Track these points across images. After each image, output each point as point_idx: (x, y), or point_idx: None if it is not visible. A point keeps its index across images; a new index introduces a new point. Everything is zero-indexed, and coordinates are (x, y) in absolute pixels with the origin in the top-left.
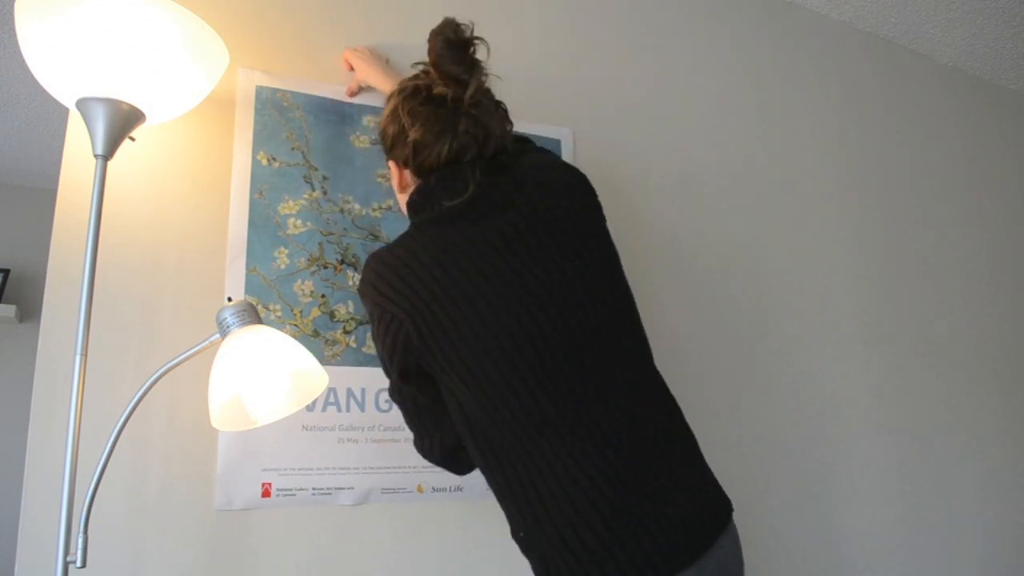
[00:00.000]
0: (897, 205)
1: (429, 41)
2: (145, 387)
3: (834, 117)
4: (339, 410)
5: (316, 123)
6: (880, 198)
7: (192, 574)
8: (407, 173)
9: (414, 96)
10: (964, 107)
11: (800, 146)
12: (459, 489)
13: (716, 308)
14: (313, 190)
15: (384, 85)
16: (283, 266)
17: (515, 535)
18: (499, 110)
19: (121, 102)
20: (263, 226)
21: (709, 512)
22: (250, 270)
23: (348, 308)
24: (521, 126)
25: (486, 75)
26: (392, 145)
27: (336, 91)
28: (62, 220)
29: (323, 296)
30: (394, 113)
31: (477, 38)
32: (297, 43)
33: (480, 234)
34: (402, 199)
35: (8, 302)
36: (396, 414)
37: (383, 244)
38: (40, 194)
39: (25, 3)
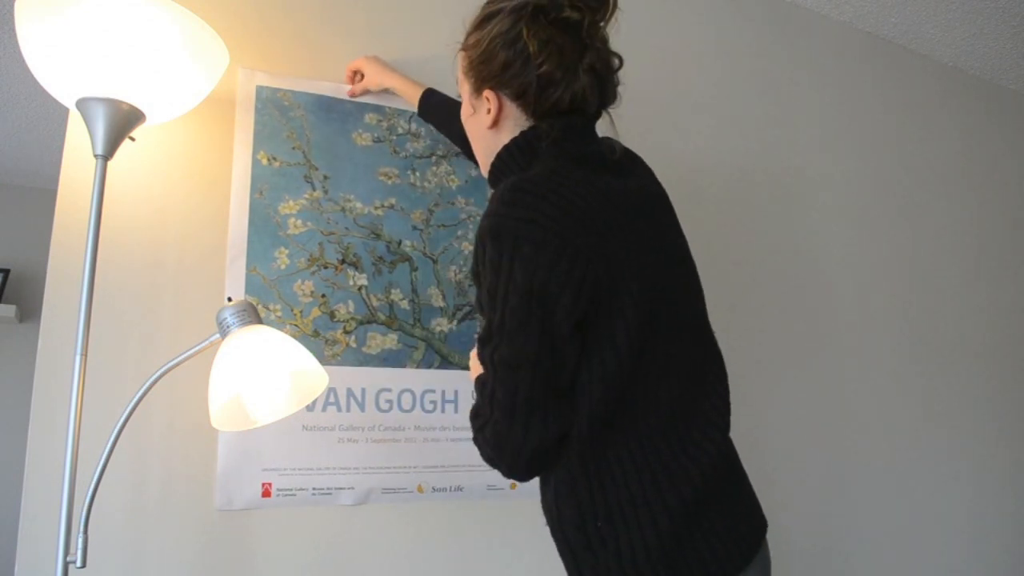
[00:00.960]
0: (897, 205)
1: None
2: (145, 387)
3: (834, 117)
4: (339, 410)
5: (316, 122)
6: (880, 198)
7: (192, 574)
8: (512, 107)
9: (539, 16)
10: (964, 107)
11: (800, 146)
12: (459, 489)
13: (714, 309)
14: (314, 189)
15: (405, 87)
16: (283, 266)
17: (582, 528)
18: (616, 58)
19: (121, 102)
20: (263, 226)
21: (758, 513)
22: (250, 270)
23: (348, 308)
24: None
25: (618, 10)
26: (501, 70)
27: (336, 90)
28: (62, 220)
29: (323, 296)
30: (512, 34)
31: None
32: (297, 43)
33: (628, 190)
34: (490, 135)
35: (8, 302)
36: (396, 414)
37: (384, 243)
38: (40, 194)
39: (25, 3)
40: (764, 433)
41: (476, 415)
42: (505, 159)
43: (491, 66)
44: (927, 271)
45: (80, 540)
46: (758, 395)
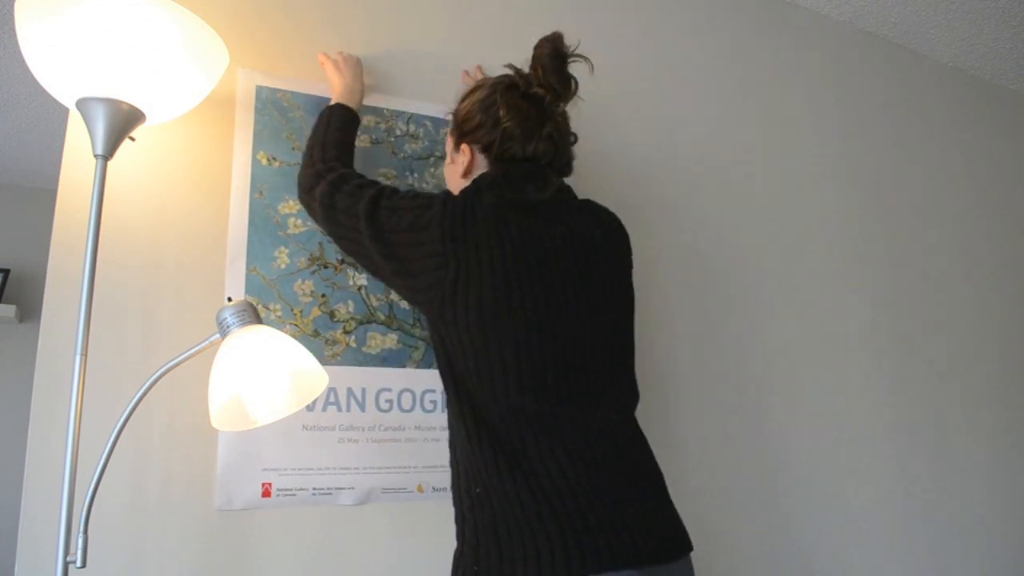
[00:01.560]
0: (897, 205)
1: (536, 48)
2: (145, 387)
3: (834, 117)
4: (339, 410)
5: None
6: (880, 198)
7: (192, 574)
8: (480, 158)
9: (511, 90)
10: (964, 107)
11: (799, 146)
12: None
13: (714, 310)
14: None
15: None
16: (283, 266)
17: (468, 490)
18: (572, 135)
19: (121, 102)
20: (263, 226)
21: (667, 535)
22: (250, 270)
23: (348, 308)
24: None
25: (577, 95)
26: (475, 128)
27: None
28: (62, 220)
29: (323, 296)
30: (488, 101)
31: (580, 56)
32: (297, 43)
33: (547, 232)
34: (461, 182)
35: (8, 302)
36: (396, 414)
37: None
38: (40, 194)
39: (25, 3)
40: (763, 433)
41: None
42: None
43: (469, 124)
44: (926, 271)
45: (80, 540)
46: (756, 395)
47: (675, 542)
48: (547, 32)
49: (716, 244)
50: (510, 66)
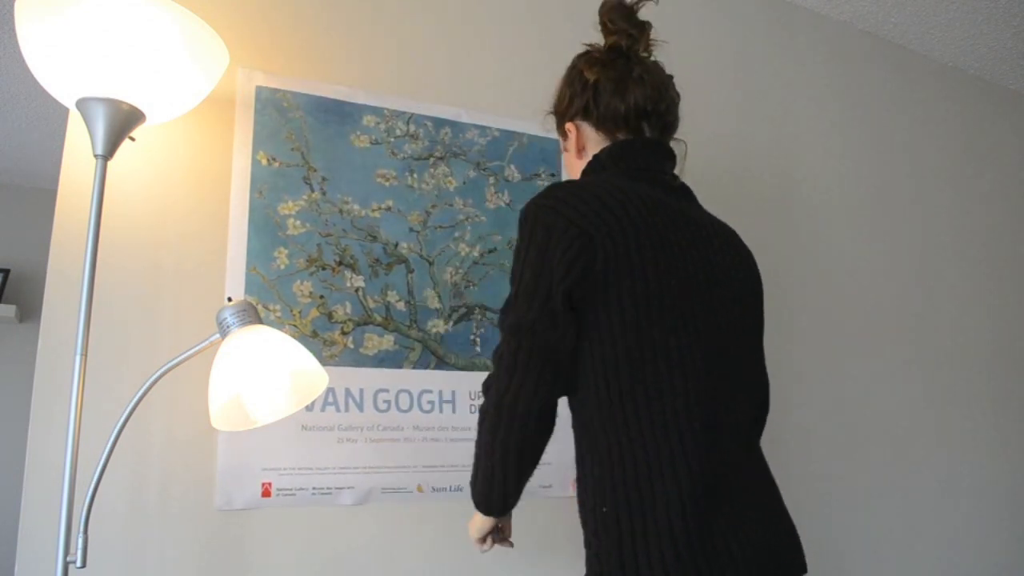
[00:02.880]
0: (897, 204)
1: (600, 11)
2: (145, 387)
3: (834, 117)
4: (338, 410)
5: (315, 124)
6: (880, 197)
7: (192, 574)
8: (587, 127)
9: (588, 54)
10: (964, 107)
11: (799, 145)
12: (459, 489)
13: None
14: (312, 191)
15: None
16: (283, 266)
17: (592, 508)
18: (668, 75)
19: (121, 102)
20: (263, 226)
21: (788, 556)
22: (250, 270)
23: (346, 309)
24: (520, 125)
25: (653, 37)
26: (570, 101)
27: (336, 91)
28: (62, 220)
29: (321, 297)
30: (571, 72)
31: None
32: (297, 43)
33: (689, 215)
34: (578, 164)
35: (8, 302)
36: (394, 414)
37: (381, 245)
38: (40, 194)
39: (25, 3)
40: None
41: (486, 385)
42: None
43: (563, 103)
44: (927, 270)
45: (80, 540)
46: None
47: (794, 564)
48: (547, 33)
49: None
50: (587, 44)
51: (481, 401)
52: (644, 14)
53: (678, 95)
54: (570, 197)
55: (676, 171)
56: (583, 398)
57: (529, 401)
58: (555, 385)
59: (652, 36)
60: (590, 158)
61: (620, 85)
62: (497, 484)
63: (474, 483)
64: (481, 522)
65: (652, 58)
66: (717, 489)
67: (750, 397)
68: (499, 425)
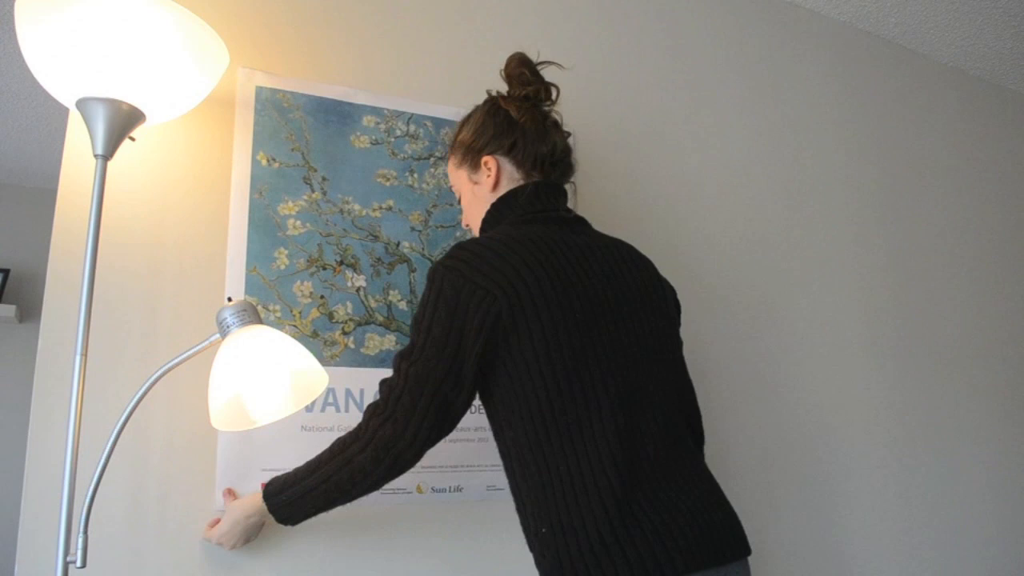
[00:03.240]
0: (897, 205)
1: (505, 67)
2: (145, 387)
3: (834, 117)
4: (338, 411)
5: (315, 124)
6: (880, 198)
7: (192, 574)
8: (508, 164)
9: (505, 96)
10: (964, 107)
11: (799, 146)
12: (459, 489)
13: (715, 311)
14: (312, 191)
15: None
16: (283, 266)
17: (535, 532)
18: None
19: (121, 102)
20: (263, 226)
21: (725, 535)
22: (250, 270)
23: (347, 309)
24: None
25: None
26: (491, 138)
27: (336, 91)
28: (62, 220)
29: (322, 297)
30: (492, 107)
31: (547, 61)
32: (297, 43)
33: (584, 244)
34: (492, 196)
35: (8, 302)
36: None
37: (383, 245)
38: (40, 194)
39: (25, 3)
40: (757, 436)
41: (374, 411)
42: (486, 218)
43: (484, 137)
44: (927, 271)
45: (80, 540)
46: (755, 397)
47: (734, 544)
48: (547, 33)
49: (713, 243)
50: (488, 92)
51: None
52: (641, 7)
53: (570, 142)
54: (474, 260)
55: (570, 205)
56: (511, 437)
57: (417, 453)
58: (442, 433)
59: (557, 93)
60: (500, 195)
61: (540, 129)
62: (326, 508)
63: (298, 496)
64: (251, 529)
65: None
66: (640, 491)
67: (674, 402)
68: (378, 467)
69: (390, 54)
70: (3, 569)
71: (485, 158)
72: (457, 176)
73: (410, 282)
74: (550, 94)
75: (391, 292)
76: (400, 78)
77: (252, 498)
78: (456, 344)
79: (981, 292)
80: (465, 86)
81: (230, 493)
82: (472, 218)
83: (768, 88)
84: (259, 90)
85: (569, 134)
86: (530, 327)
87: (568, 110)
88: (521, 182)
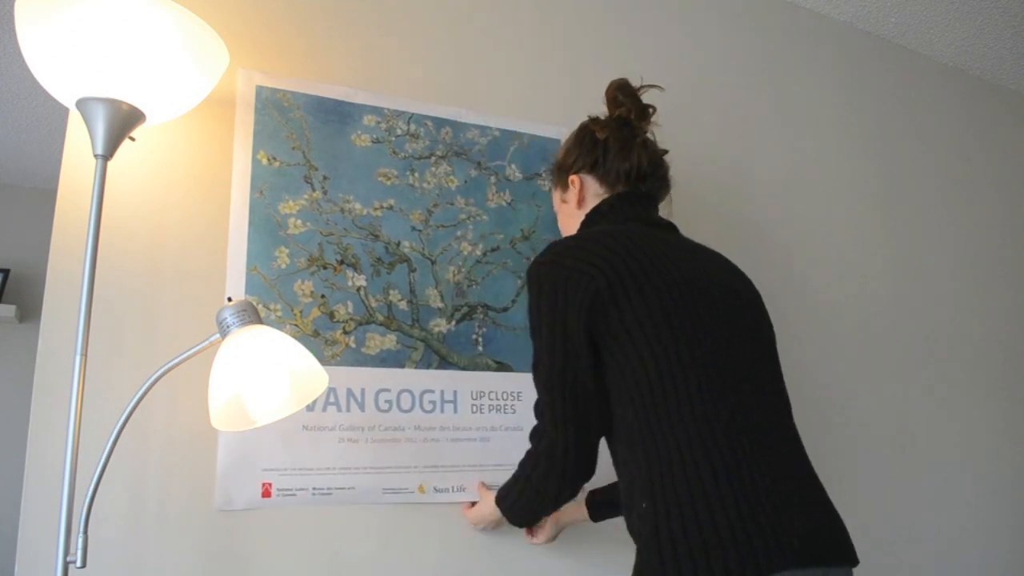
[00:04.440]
0: (896, 204)
1: (607, 89)
2: (145, 387)
3: (833, 117)
4: (339, 410)
5: (316, 123)
6: (879, 197)
7: (192, 574)
8: (591, 180)
9: (597, 119)
10: (964, 107)
11: (799, 146)
12: (460, 489)
13: None
14: (313, 190)
15: (575, 510)
16: (284, 265)
17: (636, 507)
18: (664, 150)
19: (121, 102)
20: (264, 225)
21: (833, 537)
22: (251, 269)
23: (347, 309)
24: (521, 125)
25: (655, 121)
26: (576, 158)
27: (336, 91)
28: (62, 220)
29: (323, 296)
30: (581, 131)
31: (650, 85)
32: (297, 43)
33: (677, 241)
34: (577, 215)
35: (8, 302)
36: (396, 414)
37: (383, 244)
38: (40, 194)
39: (25, 3)
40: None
41: (534, 433)
42: (580, 229)
43: (570, 158)
44: (926, 271)
45: (80, 540)
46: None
47: (841, 549)
48: (548, 33)
49: (713, 243)
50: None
51: (529, 441)
52: (642, 7)
53: (669, 167)
54: (566, 250)
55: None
56: (619, 416)
57: (578, 453)
58: (591, 428)
59: (653, 119)
60: (589, 209)
61: (625, 147)
62: (541, 516)
63: (515, 504)
64: (499, 521)
65: (652, 137)
66: (749, 479)
67: (772, 396)
68: (551, 477)
69: (390, 54)
70: (3, 569)
71: (572, 177)
72: (554, 197)
73: (410, 282)
74: (644, 114)
75: (391, 292)
76: (400, 78)
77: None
78: (563, 328)
79: (981, 292)
80: (466, 86)
81: (483, 485)
82: (568, 229)
83: (767, 88)
84: (259, 89)
85: (665, 151)
86: (631, 301)
87: (565, 106)
88: (606, 196)
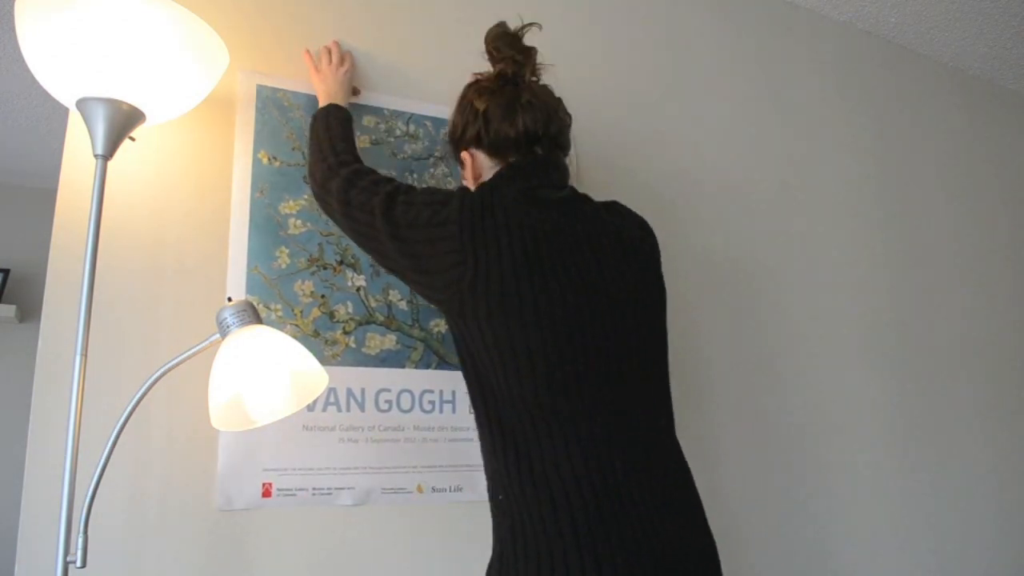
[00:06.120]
0: (895, 205)
1: (485, 40)
2: (145, 387)
3: (833, 117)
4: (339, 410)
5: None
6: (878, 197)
7: (192, 574)
8: (480, 155)
9: (478, 82)
10: (964, 107)
11: (799, 146)
12: (459, 489)
13: (712, 311)
14: None
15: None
16: (284, 265)
17: (493, 497)
18: (557, 97)
19: (121, 102)
20: (264, 225)
21: (692, 556)
22: (252, 269)
23: (347, 309)
24: None
25: (540, 61)
26: (464, 131)
27: None
28: (62, 220)
29: (323, 296)
30: (462, 101)
31: (528, 24)
32: (297, 43)
33: (569, 227)
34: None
35: (8, 302)
36: (395, 414)
37: None
38: (40, 194)
39: (25, 3)
40: (753, 434)
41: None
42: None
43: (457, 132)
44: (926, 270)
45: (80, 540)
46: (751, 396)
47: (699, 564)
48: (548, 33)
49: (714, 244)
50: (476, 72)
51: None
52: (642, 7)
53: (569, 117)
54: (484, 211)
55: (571, 182)
56: (479, 388)
57: (343, 199)
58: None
59: (539, 60)
60: (496, 173)
61: (509, 111)
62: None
63: (315, 129)
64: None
65: (540, 82)
66: (614, 499)
67: (649, 399)
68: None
69: (391, 53)
70: (3, 569)
71: (462, 153)
72: (461, 169)
73: None
74: (522, 67)
75: (391, 292)
76: (400, 78)
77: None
78: (415, 255)
79: (981, 292)
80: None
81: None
82: None
83: (767, 88)
84: (260, 89)
85: (558, 101)
86: (489, 286)
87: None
88: (499, 168)
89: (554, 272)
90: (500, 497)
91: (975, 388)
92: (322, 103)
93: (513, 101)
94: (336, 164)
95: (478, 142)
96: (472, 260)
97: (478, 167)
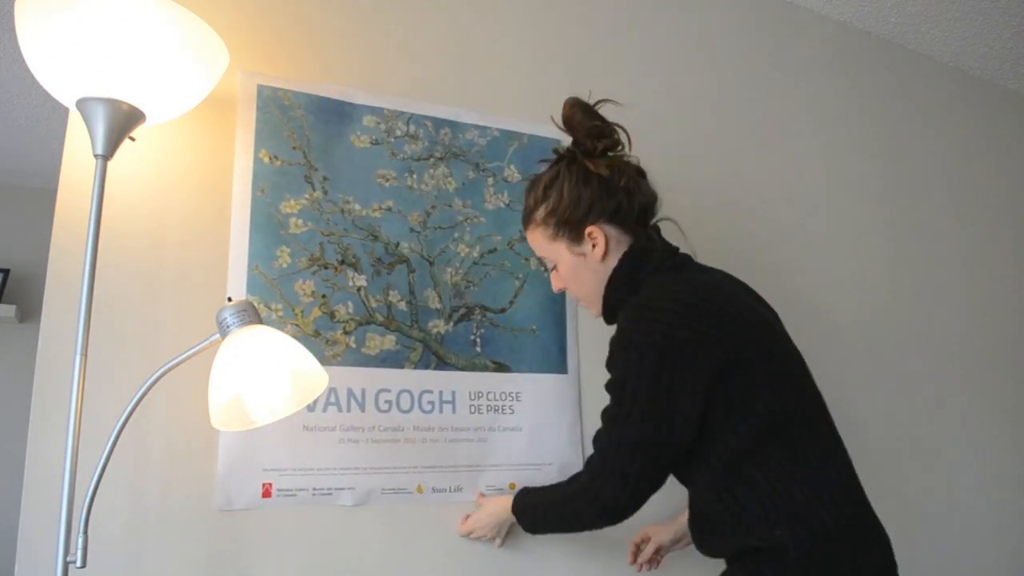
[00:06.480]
0: (896, 205)
1: (564, 114)
2: (145, 387)
3: (833, 117)
4: (340, 410)
5: (316, 123)
6: (879, 198)
7: (192, 574)
8: (611, 229)
9: (586, 154)
10: (964, 107)
11: (798, 146)
12: (459, 489)
13: None
14: (314, 190)
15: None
16: (285, 265)
17: (766, 538)
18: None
19: (121, 102)
20: (265, 224)
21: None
22: (252, 269)
23: (348, 309)
24: (521, 125)
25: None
26: (590, 208)
27: (336, 91)
28: (62, 220)
29: (324, 296)
30: (579, 175)
31: (604, 100)
32: (297, 43)
33: (723, 278)
34: (602, 266)
35: (8, 302)
36: (395, 414)
37: (383, 245)
38: (40, 194)
39: (25, 3)
40: None
41: (593, 468)
42: (616, 283)
43: (581, 208)
44: (927, 270)
45: (80, 540)
46: None
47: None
48: (547, 33)
49: (714, 244)
50: (554, 151)
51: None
52: (642, 8)
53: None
54: (671, 316)
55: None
56: (719, 452)
57: (629, 509)
58: (662, 484)
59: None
60: (615, 257)
61: (637, 185)
62: (554, 531)
63: (540, 518)
64: (503, 524)
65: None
66: (854, 497)
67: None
68: (595, 522)
69: (390, 54)
70: (3, 569)
71: (589, 229)
72: (552, 248)
73: (409, 282)
74: (619, 145)
75: (391, 292)
76: (400, 78)
77: (507, 498)
78: (667, 403)
79: (981, 292)
80: (465, 86)
81: (482, 496)
82: (584, 288)
83: (766, 87)
84: (260, 88)
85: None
86: (756, 366)
87: None
88: (629, 240)
89: (761, 316)
90: (777, 532)
91: (978, 386)
92: (510, 514)
93: (634, 171)
94: (574, 497)
95: (615, 214)
96: (723, 350)
97: (610, 243)
